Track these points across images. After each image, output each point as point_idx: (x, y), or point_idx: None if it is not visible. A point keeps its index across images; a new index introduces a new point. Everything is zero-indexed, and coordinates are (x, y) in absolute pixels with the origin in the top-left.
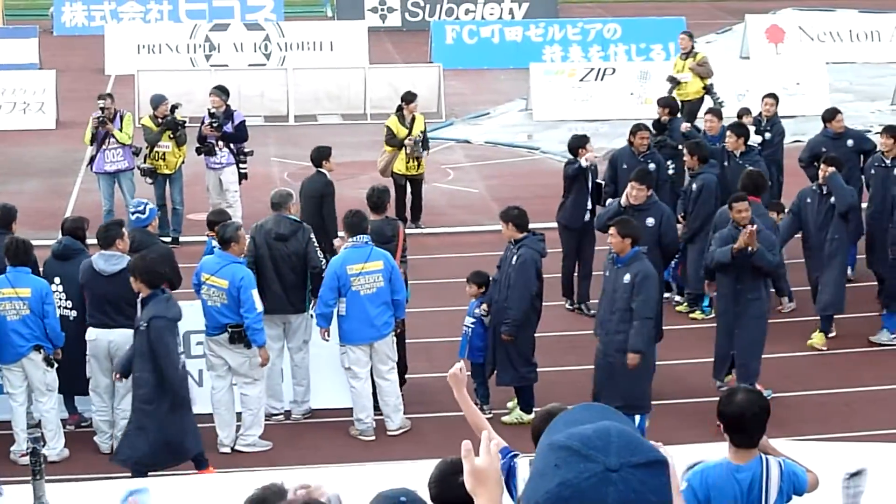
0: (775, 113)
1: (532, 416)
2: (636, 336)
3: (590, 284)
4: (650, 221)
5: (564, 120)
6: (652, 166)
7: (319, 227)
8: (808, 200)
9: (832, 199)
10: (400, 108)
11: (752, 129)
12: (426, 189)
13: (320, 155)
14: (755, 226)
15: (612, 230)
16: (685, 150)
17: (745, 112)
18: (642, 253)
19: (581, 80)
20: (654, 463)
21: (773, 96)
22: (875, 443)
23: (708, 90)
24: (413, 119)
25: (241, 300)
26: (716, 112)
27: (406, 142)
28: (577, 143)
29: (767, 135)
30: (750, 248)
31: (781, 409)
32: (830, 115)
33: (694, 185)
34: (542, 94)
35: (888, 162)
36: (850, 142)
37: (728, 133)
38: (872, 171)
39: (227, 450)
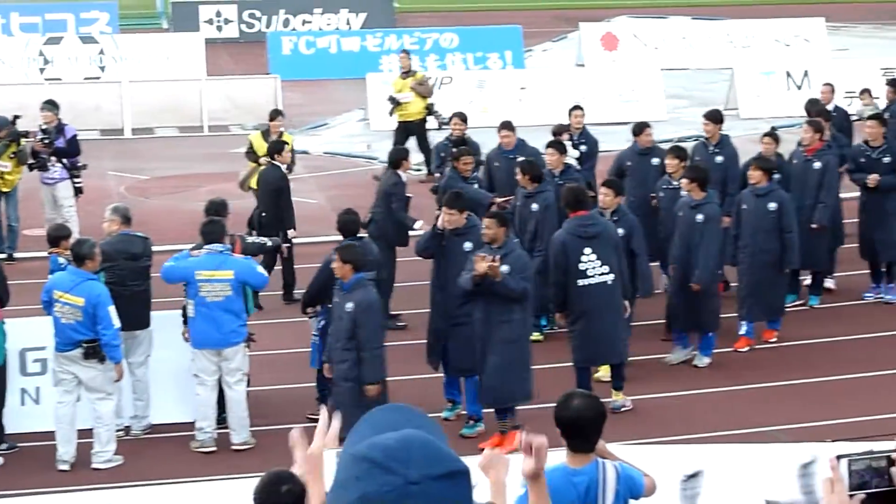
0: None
1: None
2: (367, 368)
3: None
4: (467, 246)
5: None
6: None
7: (278, 218)
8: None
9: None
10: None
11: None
12: None
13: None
14: (491, 256)
15: (336, 255)
16: (518, 169)
17: (562, 129)
18: (367, 280)
19: None
20: (455, 474)
21: (580, 108)
22: (711, 444)
23: (430, 110)
24: (280, 136)
25: (97, 317)
26: (507, 125)
27: (262, 160)
28: (399, 156)
29: (583, 147)
30: (493, 277)
31: (620, 413)
32: (638, 129)
33: (535, 206)
34: (380, 104)
35: (675, 183)
36: (655, 160)
37: (549, 151)
38: (661, 193)
39: (67, 466)
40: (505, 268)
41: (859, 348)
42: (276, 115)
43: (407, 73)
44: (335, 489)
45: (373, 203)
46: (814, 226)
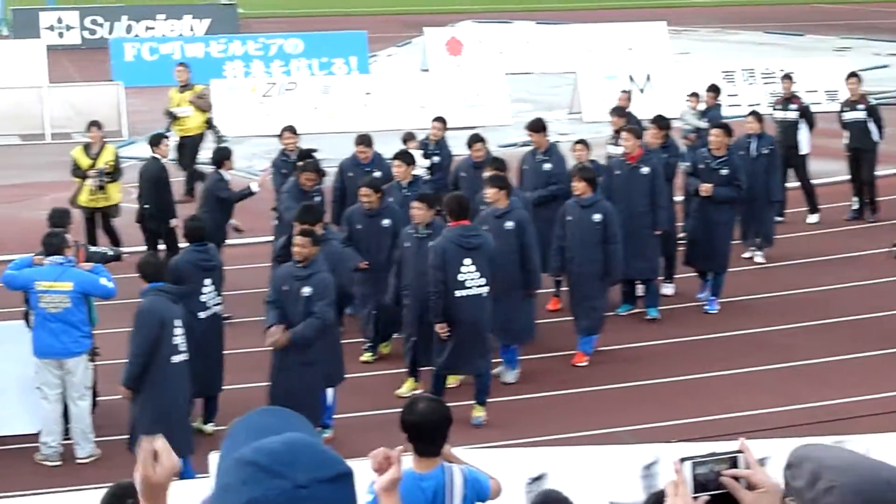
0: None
1: None
2: (124, 371)
3: None
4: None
5: (248, 136)
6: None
7: (160, 209)
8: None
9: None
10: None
11: (419, 152)
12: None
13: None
14: (277, 335)
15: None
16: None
17: (409, 137)
18: (157, 290)
19: (264, 95)
20: (341, 476)
21: (442, 120)
22: (556, 447)
23: (209, 124)
24: (101, 148)
25: (93, 293)
26: (365, 139)
27: (90, 173)
28: (222, 156)
29: (436, 158)
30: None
31: (466, 416)
32: (471, 141)
33: (385, 222)
34: (224, 110)
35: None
36: (486, 173)
37: (396, 162)
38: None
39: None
40: (307, 289)
41: (700, 350)
42: (92, 126)
43: (185, 87)
44: (218, 495)
45: (198, 205)
46: (657, 232)
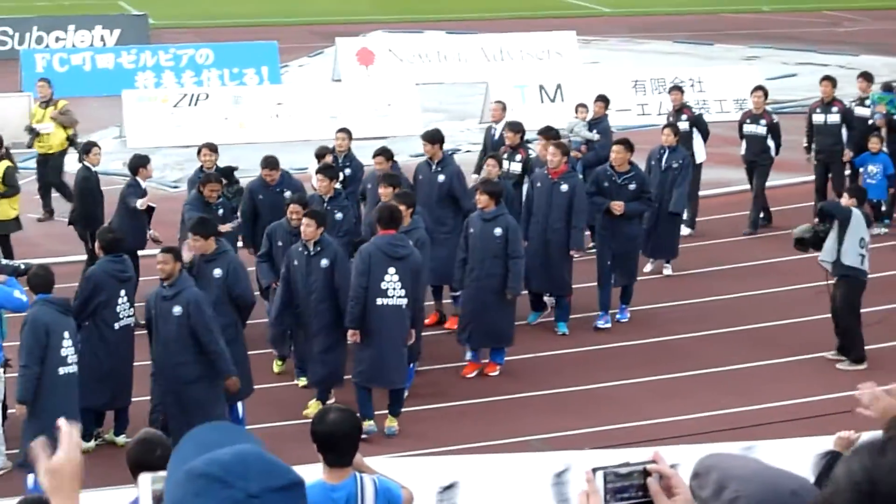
0: (349, 147)
1: None
2: (18, 386)
3: None
4: (217, 272)
5: (160, 147)
6: None
7: (85, 215)
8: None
9: (496, 229)
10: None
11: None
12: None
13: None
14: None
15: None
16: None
17: (325, 151)
18: (43, 301)
19: (175, 105)
20: (292, 485)
21: (347, 131)
22: (467, 455)
23: (72, 140)
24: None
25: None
26: (270, 162)
27: None
28: (138, 163)
29: (347, 170)
30: None
31: (379, 425)
32: (375, 154)
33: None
34: (135, 121)
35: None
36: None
37: (319, 176)
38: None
39: None
40: (177, 308)
41: (612, 358)
42: None
43: (47, 103)
44: None
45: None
46: (573, 252)
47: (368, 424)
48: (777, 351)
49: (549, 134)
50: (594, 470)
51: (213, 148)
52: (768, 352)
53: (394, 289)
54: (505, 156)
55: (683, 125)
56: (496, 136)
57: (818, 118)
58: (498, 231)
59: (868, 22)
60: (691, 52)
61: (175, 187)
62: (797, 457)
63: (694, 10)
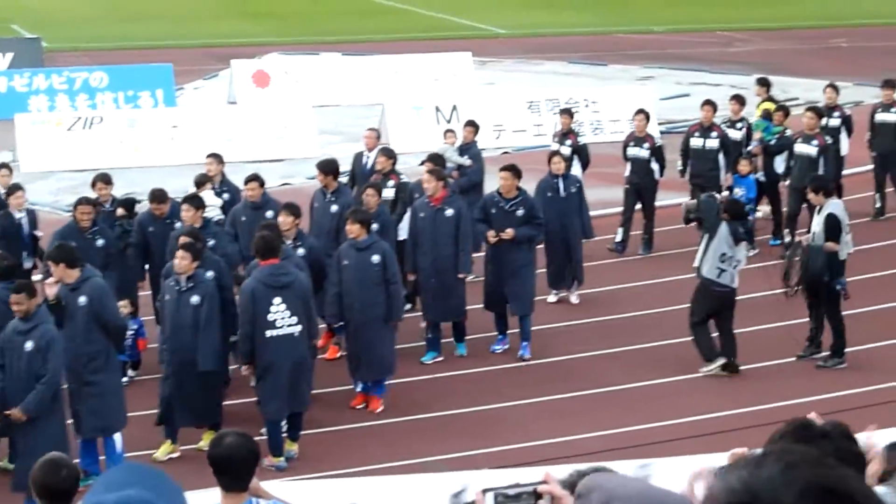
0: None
1: None
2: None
3: None
4: (376, 259)
5: (53, 171)
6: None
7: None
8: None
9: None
10: None
11: (212, 192)
12: None
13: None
14: None
15: None
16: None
17: (204, 179)
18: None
19: (69, 129)
20: None
21: (216, 156)
22: (367, 477)
23: None
24: None
25: None
26: (157, 196)
27: None
28: (9, 192)
29: (226, 196)
30: None
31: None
32: (247, 180)
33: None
34: (29, 145)
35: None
36: (269, 213)
37: (184, 206)
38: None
39: None
40: (29, 344)
41: (508, 379)
42: None
43: None
44: None
45: None
46: (461, 276)
47: (280, 460)
48: (672, 369)
49: (435, 161)
50: (484, 491)
51: (107, 180)
52: (663, 370)
53: (283, 318)
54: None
55: (566, 150)
56: (368, 165)
57: (696, 142)
58: (375, 258)
59: (760, 42)
60: (586, 72)
61: (70, 211)
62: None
63: (588, 31)
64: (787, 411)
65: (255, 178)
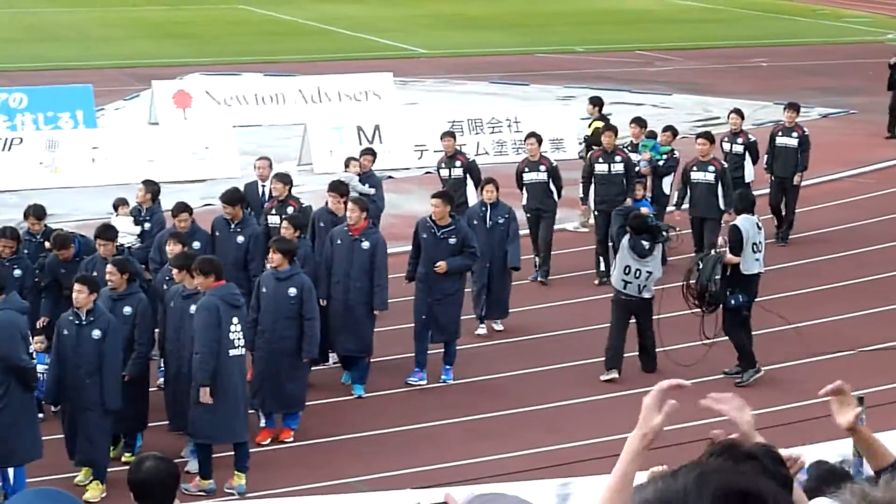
0: (152, 200)
1: None
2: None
3: None
4: (293, 291)
5: None
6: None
7: None
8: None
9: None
10: None
11: (130, 219)
12: None
13: None
14: None
15: None
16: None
17: (120, 203)
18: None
19: None
20: None
21: (150, 182)
22: (290, 497)
23: None
24: None
25: None
26: (37, 209)
27: None
28: None
29: (147, 225)
30: None
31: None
32: (176, 210)
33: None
34: None
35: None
36: (196, 244)
37: (99, 242)
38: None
39: None
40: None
41: (432, 398)
42: None
43: None
44: None
45: None
46: (376, 312)
47: (210, 483)
48: (593, 388)
49: (340, 189)
50: None
51: (39, 215)
52: (585, 388)
53: (238, 339)
54: (273, 211)
55: (458, 171)
56: (263, 194)
57: (601, 168)
58: (293, 291)
59: (680, 61)
60: (508, 92)
61: None
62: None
63: (509, 51)
64: (708, 428)
65: (185, 209)
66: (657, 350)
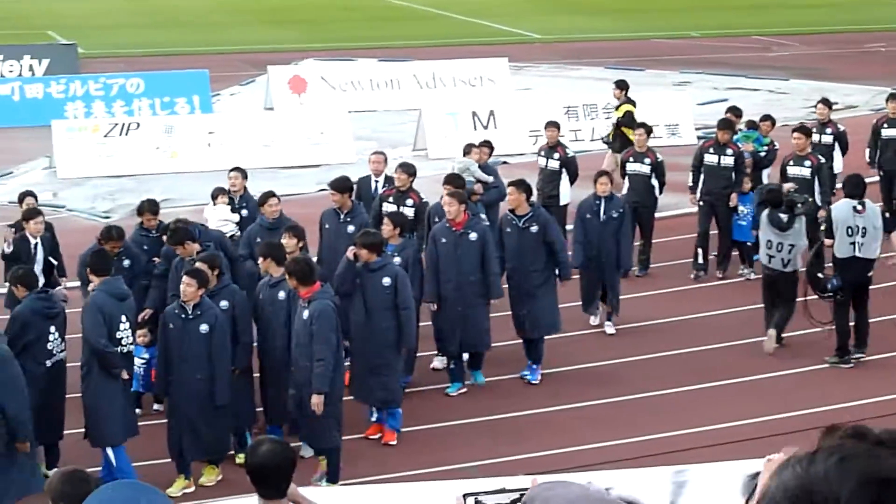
0: (245, 187)
1: None
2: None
3: None
4: (387, 281)
5: (90, 177)
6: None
7: None
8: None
9: (385, 279)
10: None
11: (227, 207)
12: None
13: None
14: None
15: None
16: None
17: (218, 192)
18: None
19: (105, 135)
20: None
21: (241, 170)
22: (400, 483)
23: None
24: None
25: None
26: (152, 205)
27: None
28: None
29: (245, 212)
30: None
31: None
32: (264, 198)
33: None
34: (65, 152)
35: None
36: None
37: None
38: None
39: None
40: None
41: (543, 384)
42: None
43: None
44: None
45: None
46: (493, 301)
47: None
48: (705, 375)
49: (455, 183)
50: (465, 495)
51: (154, 210)
52: (696, 376)
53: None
54: (390, 199)
55: (555, 164)
56: (375, 189)
57: (711, 158)
58: (387, 281)
59: (797, 47)
60: (622, 77)
61: (107, 217)
62: (728, 480)
63: (625, 36)
64: (818, 418)
65: (272, 195)
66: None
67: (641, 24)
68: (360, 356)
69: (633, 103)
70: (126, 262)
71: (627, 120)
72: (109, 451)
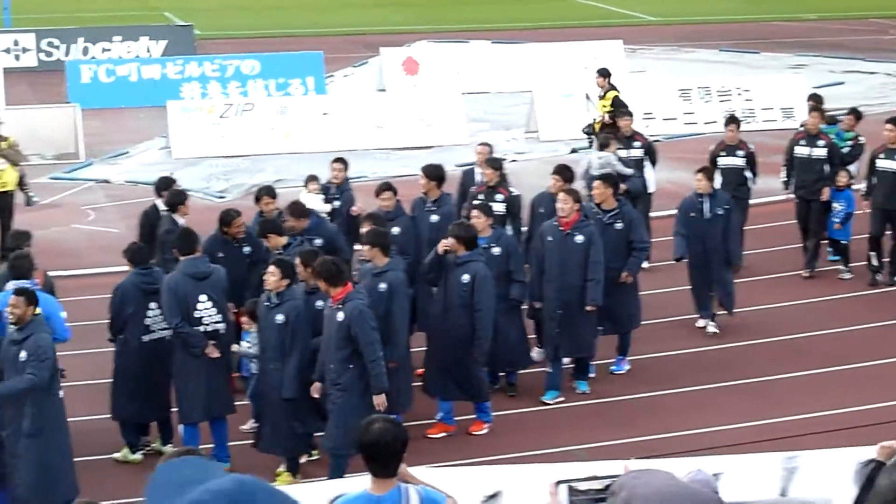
0: (346, 178)
1: None
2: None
3: None
4: (465, 278)
5: (205, 157)
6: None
7: None
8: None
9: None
10: None
11: (320, 196)
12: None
13: None
14: None
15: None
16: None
17: (310, 179)
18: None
19: (221, 116)
20: None
21: (344, 161)
22: (510, 465)
23: (21, 182)
24: None
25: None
26: (270, 190)
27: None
28: (177, 200)
29: (337, 203)
30: None
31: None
32: (380, 190)
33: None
34: (181, 132)
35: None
36: (395, 229)
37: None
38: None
39: None
40: (23, 354)
41: (650, 369)
42: None
43: None
44: None
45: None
46: (588, 308)
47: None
48: (815, 362)
49: (564, 175)
50: (557, 483)
51: (272, 194)
52: (806, 362)
53: None
54: (481, 196)
55: (637, 152)
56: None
57: (802, 151)
58: (465, 278)
59: None
60: (737, 60)
61: (221, 197)
62: (840, 467)
63: (739, 18)
64: None
65: (388, 188)
66: None
67: (756, 6)
68: (437, 351)
69: (617, 89)
70: (246, 249)
71: (618, 105)
72: (180, 428)
